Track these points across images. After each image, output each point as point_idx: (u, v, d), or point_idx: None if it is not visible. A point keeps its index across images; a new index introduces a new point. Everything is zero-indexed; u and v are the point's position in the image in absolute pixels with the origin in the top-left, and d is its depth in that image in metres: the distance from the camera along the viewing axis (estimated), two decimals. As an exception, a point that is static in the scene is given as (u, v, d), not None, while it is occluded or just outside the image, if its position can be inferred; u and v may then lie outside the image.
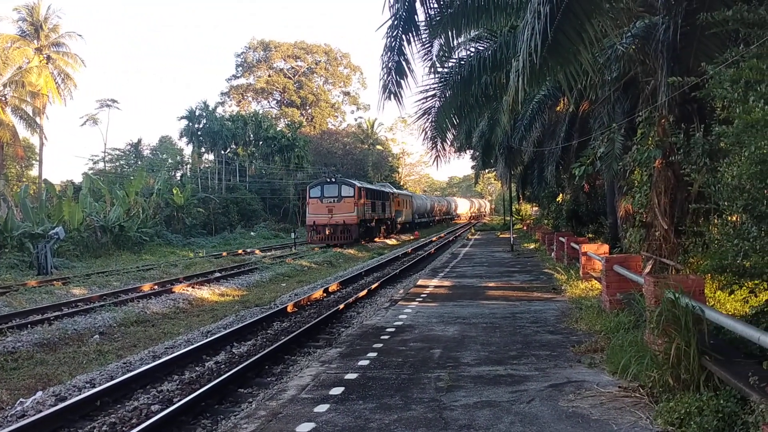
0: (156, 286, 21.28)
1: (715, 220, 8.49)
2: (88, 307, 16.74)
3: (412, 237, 54.12)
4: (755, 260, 5.85)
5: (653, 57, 11.33)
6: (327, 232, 40.08)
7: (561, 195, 30.49)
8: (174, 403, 8.28)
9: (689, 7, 9.76)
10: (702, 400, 5.16)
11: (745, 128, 5.72)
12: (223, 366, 10.65)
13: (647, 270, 10.88)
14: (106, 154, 64.65)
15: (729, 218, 7.21)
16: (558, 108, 23.18)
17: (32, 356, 12.06)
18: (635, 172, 12.63)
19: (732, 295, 8.34)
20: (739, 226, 6.42)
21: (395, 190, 58.47)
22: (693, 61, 9.87)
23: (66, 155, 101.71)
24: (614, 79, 14.55)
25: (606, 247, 15.33)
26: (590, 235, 22.37)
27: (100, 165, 63.71)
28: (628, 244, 13.62)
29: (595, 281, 13.33)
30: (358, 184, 42.98)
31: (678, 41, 10.12)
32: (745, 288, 6.84)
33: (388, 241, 48.26)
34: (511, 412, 5.80)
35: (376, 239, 46.89)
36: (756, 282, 6.40)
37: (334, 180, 42.18)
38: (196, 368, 10.63)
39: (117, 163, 67.02)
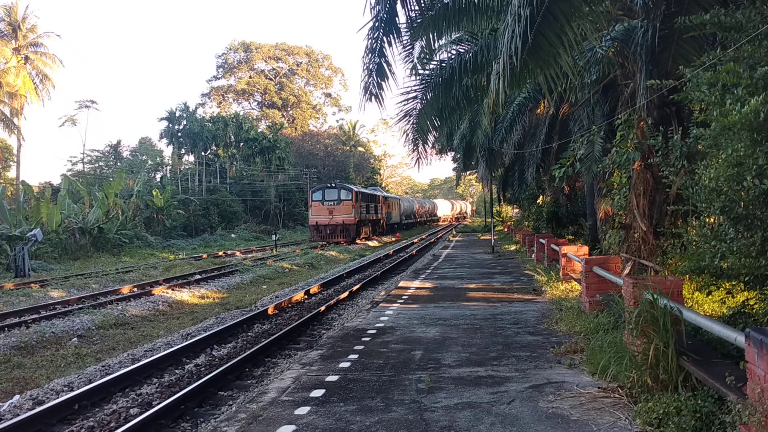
0: (135, 289, 21.12)
1: (693, 222, 8.56)
2: (66, 309, 16.58)
3: (393, 239, 54.17)
4: (732, 261, 5.91)
5: (632, 60, 11.43)
6: (328, 231, 44.70)
7: (541, 197, 30.65)
8: (153, 406, 8.23)
9: (667, 10, 9.85)
10: (680, 400, 5.21)
11: (723, 131, 5.78)
12: (203, 368, 10.59)
13: (626, 271, 10.97)
14: (85, 155, 64.14)
15: (707, 220, 7.28)
16: (538, 110, 23.32)
17: (9, 360, 11.91)
18: (614, 174, 12.72)
19: (710, 296, 8.42)
20: (717, 228, 6.49)
21: (386, 194, 63.55)
22: (671, 64, 9.97)
23: (44, 156, 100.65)
24: (594, 81, 14.66)
25: (586, 249, 15.43)
26: (570, 237, 22.53)
27: (79, 166, 63.14)
28: (607, 245, 13.72)
29: (575, 282, 13.41)
30: (355, 189, 47.53)
31: (656, 44, 10.21)
32: (722, 289, 6.90)
33: (370, 243, 48.24)
34: (491, 413, 5.82)
35: (358, 241, 47.26)
36: (733, 283, 6.46)
37: (334, 185, 47.20)
38: (176, 371, 10.56)
39: (96, 165, 66.37)
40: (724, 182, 5.82)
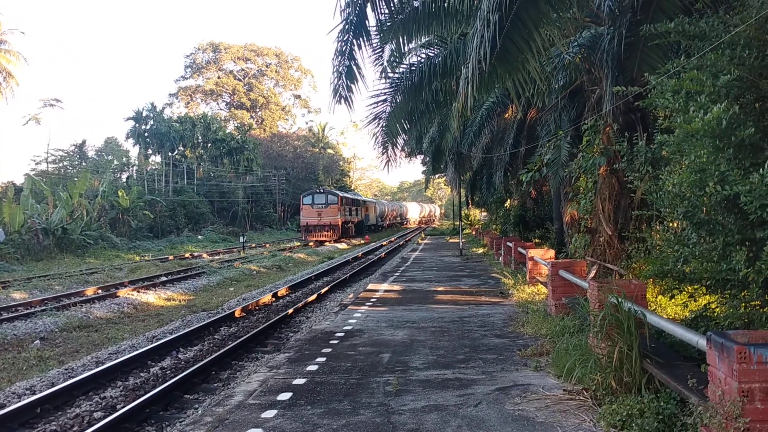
0: (100, 290, 20.83)
1: (657, 227, 8.68)
2: (28, 311, 16.28)
3: (363, 241, 54.26)
4: (694, 266, 6.01)
5: (599, 66, 11.57)
6: (317, 231, 50.90)
7: (509, 200, 30.89)
8: (117, 410, 8.13)
9: (633, 18, 9.98)
10: (643, 403, 5.28)
11: (686, 137, 5.88)
12: (168, 372, 10.48)
13: (592, 275, 11.11)
14: (49, 154, 62.98)
15: (670, 225, 7.39)
16: (506, 115, 23.50)
17: (-32, 363, 11.67)
18: (581, 178, 12.87)
19: (672, 300, 8.54)
20: (680, 233, 6.59)
21: (365, 198, 71.73)
22: (636, 71, 10.10)
23: (7, 156, 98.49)
24: (561, 87, 14.81)
25: (552, 252, 15.58)
26: (537, 240, 22.75)
27: (43, 166, 61.99)
28: (573, 249, 13.86)
29: (542, 285, 13.54)
30: (341, 194, 54.83)
31: (622, 51, 10.35)
32: (685, 293, 7.01)
33: (339, 246, 48.28)
34: (458, 415, 5.85)
35: (326, 243, 47.74)
36: (695, 287, 6.56)
37: (322, 191, 54.82)
38: (141, 374, 10.44)
39: (60, 164, 65.27)
40: (687, 188, 5.91)
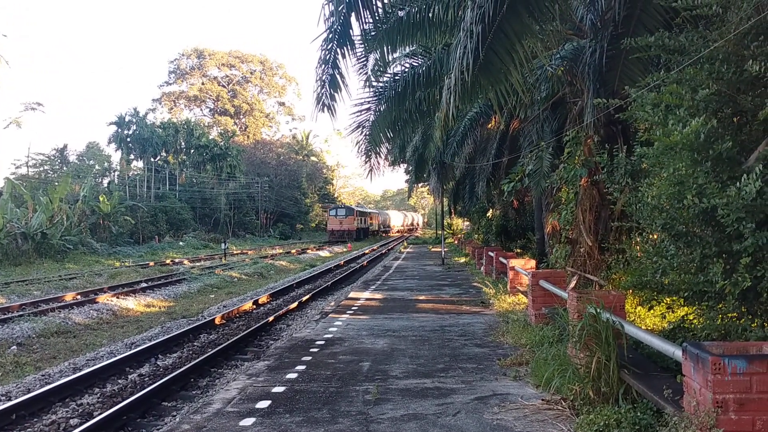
0: (79, 296, 20.64)
1: (637, 238, 8.78)
2: (5, 317, 16.08)
3: (345, 249, 54.23)
4: (673, 277, 6.07)
5: (580, 79, 11.66)
6: (339, 234, 67.24)
7: (491, 210, 31.01)
8: (94, 417, 8.06)
9: (615, 31, 10.09)
10: (620, 413, 5.32)
11: (665, 150, 5.95)
12: (147, 379, 10.41)
13: (571, 285, 11.16)
14: (30, 158, 62.36)
15: (649, 236, 7.46)
16: (489, 125, 23.62)
17: (-57, 368, 11.51)
18: (562, 189, 12.95)
19: (651, 311, 8.62)
20: (658, 244, 6.65)
21: (371, 210, 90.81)
22: (617, 83, 10.21)
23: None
24: (543, 98, 14.92)
25: (533, 262, 15.65)
26: (518, 250, 22.84)
27: (23, 170, 61.33)
28: (554, 259, 13.94)
29: (522, 295, 13.60)
30: (356, 208, 74.34)
31: (604, 64, 10.45)
32: (663, 304, 7.07)
33: (321, 253, 48.22)
34: (437, 424, 5.86)
35: (309, 251, 47.72)
36: (673, 298, 6.63)
37: (342, 206, 74.25)
38: (119, 381, 10.35)
39: (41, 169, 64.57)
40: (665, 200, 5.98)
